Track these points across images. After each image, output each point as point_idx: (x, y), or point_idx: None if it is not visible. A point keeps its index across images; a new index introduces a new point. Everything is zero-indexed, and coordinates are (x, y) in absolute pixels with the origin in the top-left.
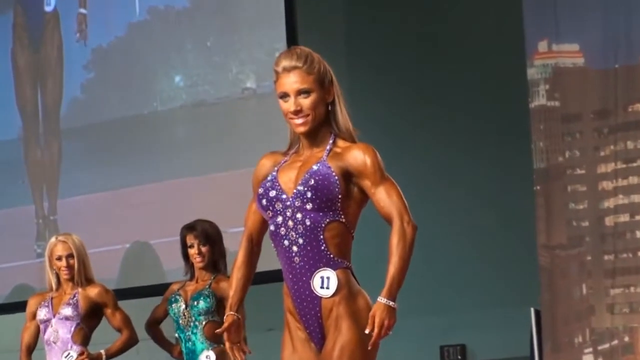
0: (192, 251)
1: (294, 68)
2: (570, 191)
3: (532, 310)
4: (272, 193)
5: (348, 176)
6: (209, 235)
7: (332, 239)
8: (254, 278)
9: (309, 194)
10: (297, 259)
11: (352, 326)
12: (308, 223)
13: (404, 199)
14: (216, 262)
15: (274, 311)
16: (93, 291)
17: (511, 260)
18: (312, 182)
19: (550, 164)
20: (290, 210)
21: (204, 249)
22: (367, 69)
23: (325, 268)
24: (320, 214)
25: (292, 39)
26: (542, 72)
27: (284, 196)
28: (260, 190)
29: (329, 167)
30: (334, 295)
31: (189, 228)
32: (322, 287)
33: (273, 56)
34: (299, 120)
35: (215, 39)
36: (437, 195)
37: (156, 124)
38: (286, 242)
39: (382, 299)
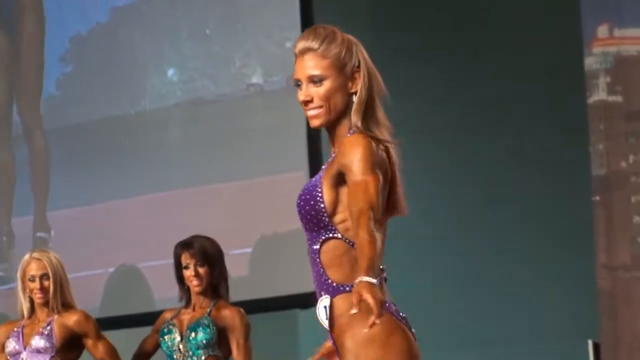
0: (188, 273)
1: (308, 50)
2: (635, 202)
3: (590, 342)
4: None
5: (342, 180)
6: (207, 254)
7: (330, 261)
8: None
9: (299, 214)
10: (314, 287)
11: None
12: (309, 247)
13: (379, 198)
14: (216, 286)
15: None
16: (71, 318)
17: (565, 284)
18: (300, 198)
19: (611, 170)
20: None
21: (201, 271)
22: (394, 58)
23: (326, 296)
24: (313, 234)
25: (308, 27)
26: (601, 61)
27: None
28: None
29: (320, 175)
30: (331, 327)
31: (184, 246)
32: (326, 318)
33: (283, 47)
34: (311, 112)
35: (215, 26)
36: (475, 209)
37: (145, 126)
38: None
39: (360, 278)
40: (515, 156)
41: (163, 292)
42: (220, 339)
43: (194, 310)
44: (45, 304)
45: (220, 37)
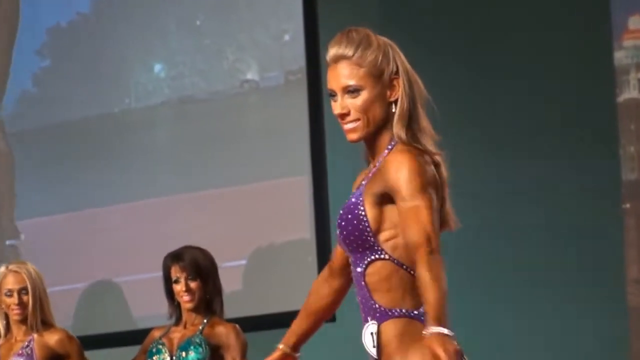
0: (179, 287)
1: (341, 58)
2: None
3: None
4: None
5: (389, 197)
6: (199, 266)
7: (377, 284)
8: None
9: (340, 236)
10: (361, 312)
11: None
12: (355, 268)
13: (434, 224)
14: (210, 302)
15: None
16: (52, 338)
17: (592, 300)
18: (341, 218)
19: None
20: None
21: (193, 285)
22: (407, 50)
23: (373, 321)
24: (357, 255)
25: (310, 18)
26: (633, 56)
27: None
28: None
29: (362, 192)
30: (379, 355)
31: (174, 257)
32: (373, 347)
33: (281, 40)
34: (348, 126)
35: (206, 17)
36: (495, 217)
37: (130, 126)
38: (356, 294)
39: (429, 329)
40: (537, 159)
41: (151, 309)
42: (213, 359)
43: (185, 327)
44: (23, 320)
45: (212, 28)
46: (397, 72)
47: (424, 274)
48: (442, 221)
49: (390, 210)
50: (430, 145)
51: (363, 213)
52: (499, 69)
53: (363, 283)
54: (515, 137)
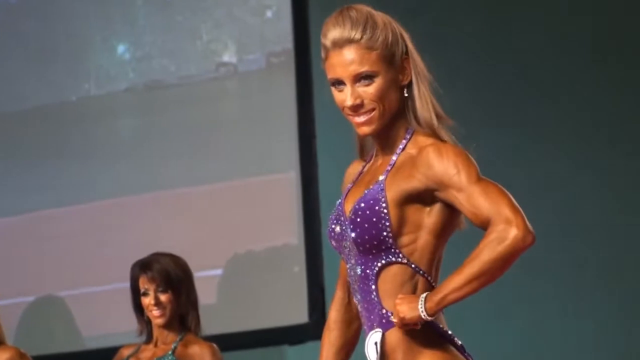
0: (147, 300)
1: (349, 42)
2: None
3: None
4: (338, 229)
5: (423, 195)
6: (171, 276)
7: (390, 290)
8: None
9: (353, 234)
10: (362, 319)
11: None
12: (359, 271)
13: (515, 202)
14: (183, 317)
15: None
16: (2, 357)
17: None
18: (355, 215)
19: None
20: (348, 252)
21: (164, 298)
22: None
23: (377, 329)
24: (370, 256)
25: None
26: None
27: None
28: (329, 226)
29: (382, 188)
30: None
31: (142, 266)
32: (376, 357)
33: (262, 16)
34: (360, 119)
35: None
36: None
37: (90, 116)
38: (355, 298)
39: (423, 295)
40: (584, 162)
41: (116, 325)
42: None
43: (155, 346)
44: None
45: (184, 3)
46: (406, 53)
47: (490, 250)
48: (458, 220)
49: (414, 212)
50: (446, 134)
51: (385, 211)
52: (529, 47)
53: (373, 287)
54: (552, 138)
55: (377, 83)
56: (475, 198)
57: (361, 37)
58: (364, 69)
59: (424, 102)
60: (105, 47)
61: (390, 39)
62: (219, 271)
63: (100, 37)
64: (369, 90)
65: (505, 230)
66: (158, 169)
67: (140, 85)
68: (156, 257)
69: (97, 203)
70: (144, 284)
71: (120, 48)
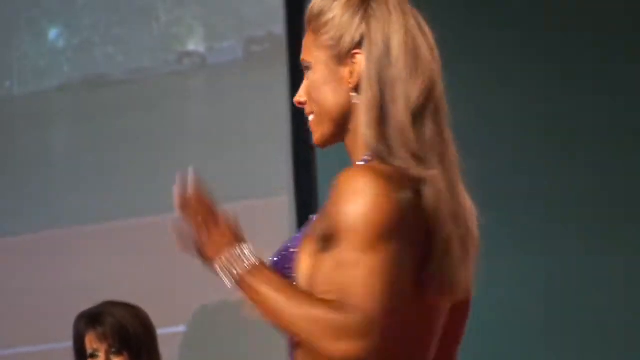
0: None
1: (307, 23)
2: None
3: None
4: None
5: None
6: (128, 333)
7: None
8: None
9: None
10: None
11: None
12: None
13: (385, 295)
14: None
15: None
16: None
17: None
18: (277, 256)
19: None
20: None
21: None
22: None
23: None
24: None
25: None
26: None
27: None
28: None
29: (303, 234)
30: None
31: (89, 320)
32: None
33: None
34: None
35: None
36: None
37: (12, 121)
38: None
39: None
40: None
41: None
42: None
43: None
44: None
45: None
46: (359, 43)
47: (307, 315)
48: (424, 286)
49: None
50: (411, 159)
51: (291, 262)
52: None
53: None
54: (591, 136)
55: (310, 77)
56: (338, 272)
57: (311, 17)
58: (301, 56)
59: (365, 116)
60: (32, 32)
61: (338, 19)
62: (179, 328)
63: (25, 18)
64: (305, 84)
65: (339, 333)
66: (102, 192)
67: (77, 81)
68: (107, 307)
69: (22, 237)
70: (91, 343)
71: (52, 33)
